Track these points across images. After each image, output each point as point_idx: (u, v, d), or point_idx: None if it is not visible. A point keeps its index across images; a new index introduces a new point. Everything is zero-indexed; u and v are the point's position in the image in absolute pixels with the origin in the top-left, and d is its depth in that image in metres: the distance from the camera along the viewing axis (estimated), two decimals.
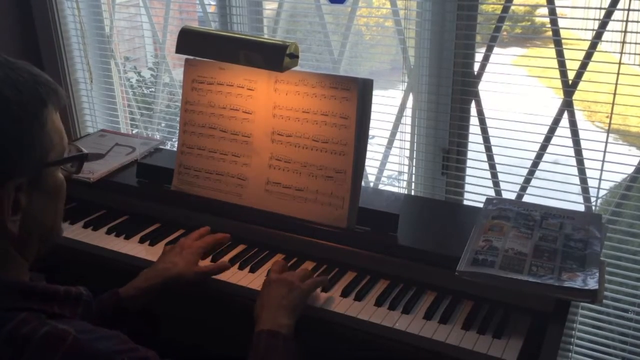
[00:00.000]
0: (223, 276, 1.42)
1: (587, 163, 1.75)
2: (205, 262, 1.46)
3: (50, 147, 0.90)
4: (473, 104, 1.85)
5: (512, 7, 1.80)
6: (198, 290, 1.41)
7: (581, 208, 1.79)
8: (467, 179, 1.92)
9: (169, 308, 1.40)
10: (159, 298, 1.34)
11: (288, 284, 1.29)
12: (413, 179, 2.00)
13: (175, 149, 1.84)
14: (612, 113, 1.63)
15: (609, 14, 1.61)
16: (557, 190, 1.78)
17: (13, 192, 0.86)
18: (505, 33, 1.86)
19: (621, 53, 1.57)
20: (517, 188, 1.88)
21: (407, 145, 1.96)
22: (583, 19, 1.81)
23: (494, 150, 1.88)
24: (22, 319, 0.82)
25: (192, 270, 1.38)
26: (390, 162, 2.07)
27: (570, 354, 1.85)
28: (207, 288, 1.42)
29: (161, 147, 1.98)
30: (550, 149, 1.79)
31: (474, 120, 1.87)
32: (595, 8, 1.76)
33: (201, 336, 1.48)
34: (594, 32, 1.64)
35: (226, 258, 1.49)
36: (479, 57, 1.80)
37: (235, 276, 1.43)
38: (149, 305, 1.33)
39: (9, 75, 0.86)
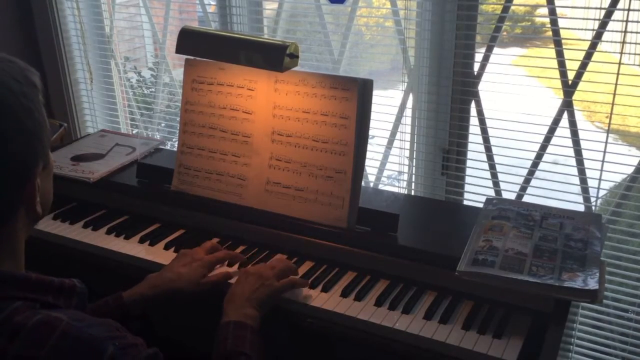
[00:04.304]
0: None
1: (586, 163, 1.76)
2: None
3: (47, 127, 0.94)
4: (473, 104, 1.85)
5: (512, 7, 1.80)
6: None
7: (581, 208, 1.79)
8: (467, 179, 1.92)
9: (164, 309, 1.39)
10: (161, 306, 1.34)
11: (262, 278, 1.29)
12: (413, 179, 2.00)
13: (175, 149, 1.84)
14: (611, 113, 1.63)
15: (609, 14, 1.61)
16: (557, 191, 1.78)
17: (37, 178, 0.91)
18: (505, 33, 1.86)
19: (621, 53, 1.57)
20: (517, 188, 1.88)
21: (407, 145, 1.96)
22: (583, 19, 1.81)
23: (494, 150, 1.89)
24: (15, 308, 0.83)
25: (198, 284, 1.36)
26: (390, 162, 2.07)
27: (570, 354, 1.85)
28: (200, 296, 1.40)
29: (161, 147, 1.98)
30: (550, 149, 1.79)
31: (473, 120, 1.87)
32: (595, 8, 1.76)
33: (194, 336, 1.47)
34: (594, 32, 1.64)
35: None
36: (479, 57, 1.80)
37: (234, 276, 1.42)
38: (151, 311, 1.33)
39: (2, 67, 0.87)
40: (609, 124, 1.65)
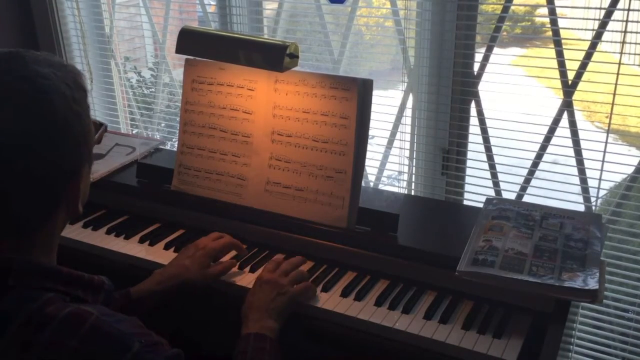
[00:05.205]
0: (226, 277, 1.42)
1: (586, 163, 1.76)
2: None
3: (93, 130, 0.98)
4: (473, 104, 1.85)
5: (512, 7, 1.80)
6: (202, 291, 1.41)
7: (581, 208, 1.79)
8: (467, 179, 1.92)
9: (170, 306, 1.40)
10: (169, 301, 1.35)
11: (278, 287, 1.29)
12: (413, 179, 2.00)
13: (175, 149, 1.84)
14: (611, 113, 1.63)
15: (609, 14, 1.61)
16: (557, 190, 1.78)
17: (81, 180, 0.95)
18: (505, 33, 1.86)
19: (621, 53, 1.57)
20: (517, 188, 1.88)
21: (407, 145, 1.96)
22: (583, 19, 1.81)
23: (494, 150, 1.88)
24: (48, 298, 0.86)
25: (203, 274, 1.37)
26: (390, 162, 2.07)
27: (570, 354, 1.85)
28: (207, 288, 1.41)
29: (161, 147, 1.98)
30: (550, 149, 1.79)
31: (473, 120, 1.87)
32: (595, 8, 1.76)
33: (195, 334, 1.47)
34: (594, 32, 1.64)
35: (227, 257, 1.49)
36: (479, 57, 1.80)
37: (235, 276, 1.43)
38: (159, 306, 1.34)
39: (56, 73, 0.91)
40: (609, 124, 1.64)
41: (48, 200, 0.92)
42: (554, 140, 1.78)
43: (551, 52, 1.72)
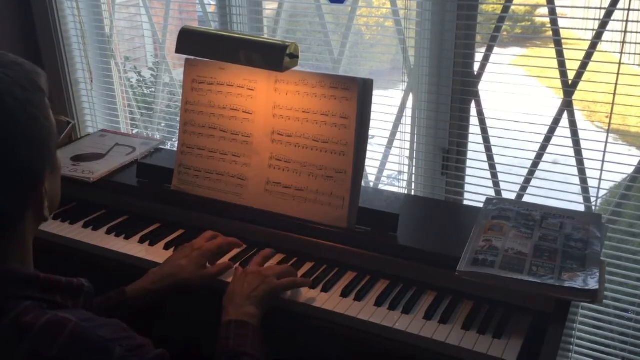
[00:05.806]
0: (223, 276, 1.42)
1: (587, 163, 1.76)
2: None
3: (55, 131, 0.94)
4: (473, 104, 1.85)
5: (512, 7, 1.80)
6: (199, 291, 1.41)
7: (581, 208, 1.79)
8: (467, 179, 1.92)
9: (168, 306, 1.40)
10: (164, 300, 1.35)
11: (261, 276, 1.30)
12: (413, 179, 2.00)
13: (175, 149, 1.84)
14: (611, 113, 1.63)
15: (609, 14, 1.61)
16: (557, 190, 1.78)
17: (45, 184, 0.91)
18: (505, 33, 1.86)
19: (621, 53, 1.57)
20: (517, 188, 1.88)
21: (407, 145, 1.96)
22: (583, 19, 1.81)
23: (494, 150, 1.89)
24: (25, 307, 0.84)
25: (199, 275, 1.37)
26: (390, 162, 2.07)
27: (570, 354, 1.85)
28: (208, 288, 1.41)
29: (161, 147, 1.98)
30: (550, 149, 1.79)
31: (474, 120, 1.87)
32: (595, 8, 1.76)
33: (196, 334, 1.47)
34: (594, 32, 1.64)
35: (226, 258, 1.49)
36: (479, 57, 1.80)
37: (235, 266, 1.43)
38: (154, 305, 1.34)
39: (8, 74, 0.87)
40: (609, 124, 1.65)
41: (11, 206, 0.88)
42: (554, 140, 1.78)
43: (551, 52, 1.72)
